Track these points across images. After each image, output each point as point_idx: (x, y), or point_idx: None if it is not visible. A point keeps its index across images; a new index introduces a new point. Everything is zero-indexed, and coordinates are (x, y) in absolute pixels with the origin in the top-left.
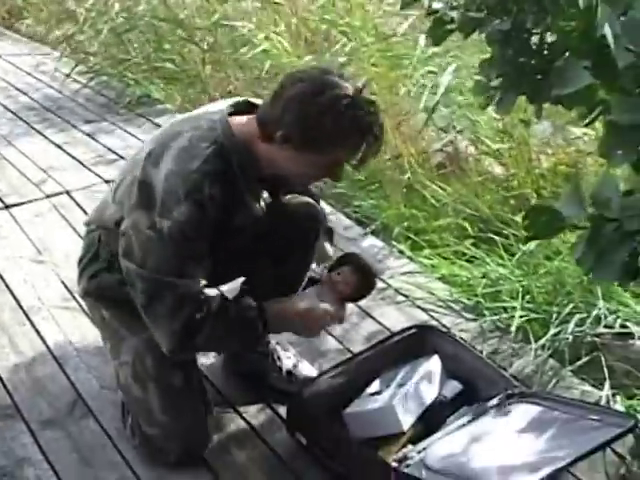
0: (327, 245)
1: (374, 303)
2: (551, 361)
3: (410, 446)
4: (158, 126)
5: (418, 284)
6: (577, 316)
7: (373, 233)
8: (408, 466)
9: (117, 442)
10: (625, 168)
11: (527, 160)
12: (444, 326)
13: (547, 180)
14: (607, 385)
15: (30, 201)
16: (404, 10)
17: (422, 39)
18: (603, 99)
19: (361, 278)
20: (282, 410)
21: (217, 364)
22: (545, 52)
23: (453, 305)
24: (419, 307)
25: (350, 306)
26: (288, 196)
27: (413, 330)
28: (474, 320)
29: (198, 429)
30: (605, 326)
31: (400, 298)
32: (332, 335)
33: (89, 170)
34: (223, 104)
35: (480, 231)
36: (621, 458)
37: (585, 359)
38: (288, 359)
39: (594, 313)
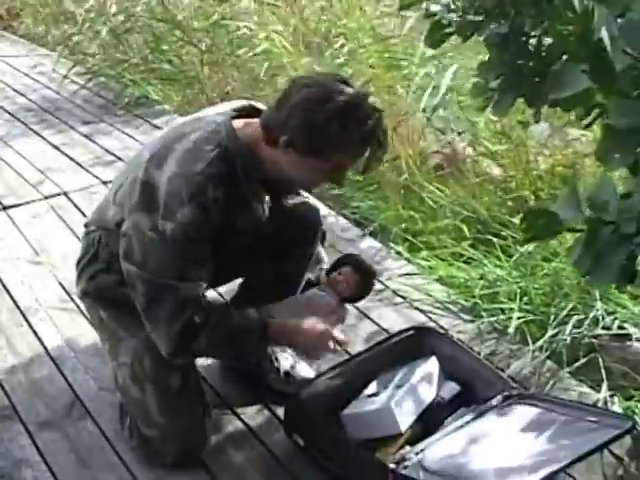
0: (320, 248)
1: (372, 304)
2: (549, 362)
3: (408, 447)
4: (156, 127)
5: (416, 285)
6: (575, 318)
7: (371, 234)
8: (406, 467)
9: (115, 443)
10: (622, 170)
11: (525, 162)
12: (442, 327)
13: (545, 182)
14: (605, 386)
15: (27, 202)
16: (402, 12)
17: (420, 40)
18: (600, 102)
19: (361, 278)
20: (280, 411)
21: (215, 365)
22: (543, 55)
23: (451, 306)
24: (417, 308)
25: (348, 307)
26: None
27: (411, 331)
28: (472, 321)
29: (196, 430)
30: (603, 328)
31: (398, 299)
32: None
33: (87, 171)
34: (227, 107)
35: (478, 232)
36: (619, 459)
37: (583, 360)
38: (286, 360)
39: (592, 315)
